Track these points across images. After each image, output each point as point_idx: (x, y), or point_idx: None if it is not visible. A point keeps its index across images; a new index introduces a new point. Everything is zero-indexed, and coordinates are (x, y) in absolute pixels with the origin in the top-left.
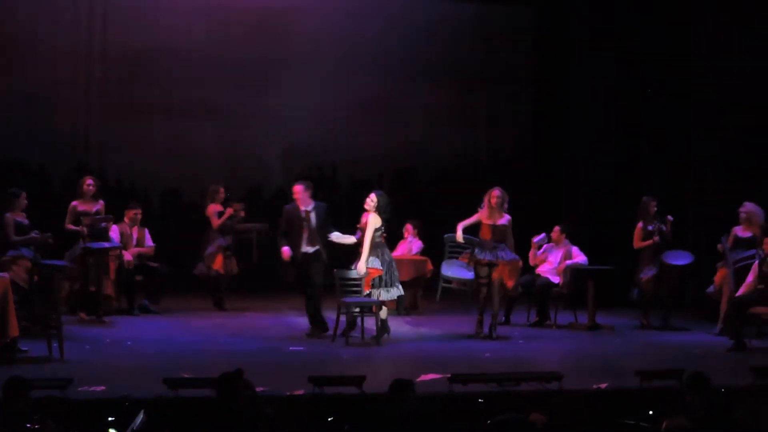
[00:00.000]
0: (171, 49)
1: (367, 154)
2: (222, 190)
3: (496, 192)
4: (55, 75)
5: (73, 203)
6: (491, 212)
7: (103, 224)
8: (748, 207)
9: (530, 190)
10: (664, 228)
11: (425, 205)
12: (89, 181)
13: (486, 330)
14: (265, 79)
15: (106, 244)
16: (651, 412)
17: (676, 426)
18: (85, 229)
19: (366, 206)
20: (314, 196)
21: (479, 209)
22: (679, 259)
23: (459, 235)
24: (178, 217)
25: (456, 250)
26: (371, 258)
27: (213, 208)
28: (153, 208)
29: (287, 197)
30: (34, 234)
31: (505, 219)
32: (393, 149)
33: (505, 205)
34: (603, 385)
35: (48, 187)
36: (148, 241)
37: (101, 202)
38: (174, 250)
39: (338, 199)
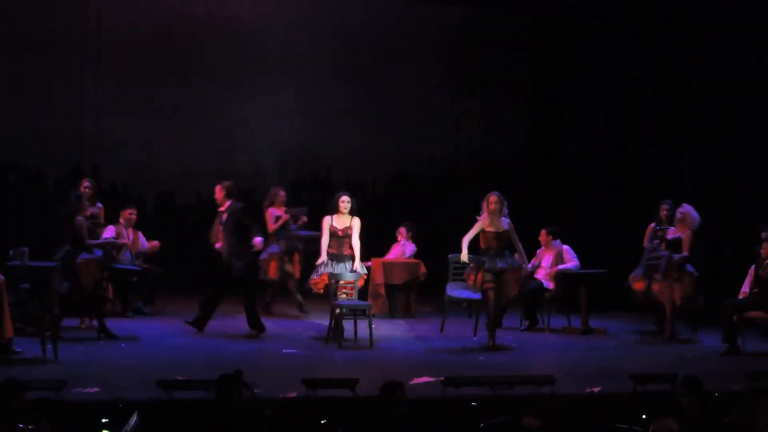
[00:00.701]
0: (164, 50)
1: (361, 157)
2: (283, 193)
3: (493, 197)
4: (49, 76)
5: None
6: (492, 218)
7: (100, 230)
8: (686, 209)
9: (526, 192)
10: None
11: (419, 207)
12: (86, 183)
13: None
14: (259, 80)
15: (88, 256)
16: (644, 416)
17: (663, 427)
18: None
19: (344, 210)
20: (300, 198)
21: (478, 218)
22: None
23: (464, 254)
24: (173, 218)
25: (460, 271)
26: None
27: (272, 212)
28: (147, 210)
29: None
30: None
31: (505, 224)
32: (387, 151)
33: (505, 210)
34: (596, 389)
35: (43, 189)
36: (143, 244)
37: (99, 205)
38: (168, 252)
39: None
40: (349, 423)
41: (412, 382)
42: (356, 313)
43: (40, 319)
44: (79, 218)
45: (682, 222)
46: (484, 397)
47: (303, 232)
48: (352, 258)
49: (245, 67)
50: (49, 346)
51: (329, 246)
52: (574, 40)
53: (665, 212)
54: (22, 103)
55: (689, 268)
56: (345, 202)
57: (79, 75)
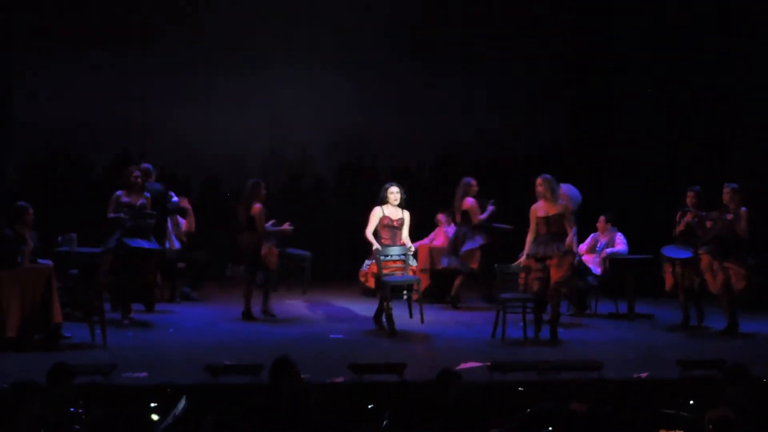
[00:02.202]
0: (212, 36)
1: (406, 143)
2: (474, 183)
3: (538, 180)
4: (97, 64)
5: (118, 193)
6: (544, 203)
7: (150, 221)
8: (564, 189)
9: (572, 178)
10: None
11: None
12: (136, 173)
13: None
14: (307, 66)
15: (145, 244)
16: (692, 402)
17: (720, 416)
18: (124, 216)
19: (393, 202)
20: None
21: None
22: (678, 253)
23: (522, 260)
24: (219, 205)
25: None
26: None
27: (469, 202)
28: (193, 196)
29: (325, 186)
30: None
31: (558, 207)
32: (432, 137)
33: (557, 192)
34: (643, 375)
35: (91, 176)
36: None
37: (147, 195)
38: (214, 238)
39: (378, 187)
40: (396, 408)
41: (459, 367)
42: (406, 288)
43: (88, 304)
44: (258, 204)
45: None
46: (531, 383)
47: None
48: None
49: (293, 53)
50: (98, 331)
51: (383, 237)
52: (622, 22)
53: (691, 199)
54: (70, 92)
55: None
56: (394, 193)
57: (125, 62)
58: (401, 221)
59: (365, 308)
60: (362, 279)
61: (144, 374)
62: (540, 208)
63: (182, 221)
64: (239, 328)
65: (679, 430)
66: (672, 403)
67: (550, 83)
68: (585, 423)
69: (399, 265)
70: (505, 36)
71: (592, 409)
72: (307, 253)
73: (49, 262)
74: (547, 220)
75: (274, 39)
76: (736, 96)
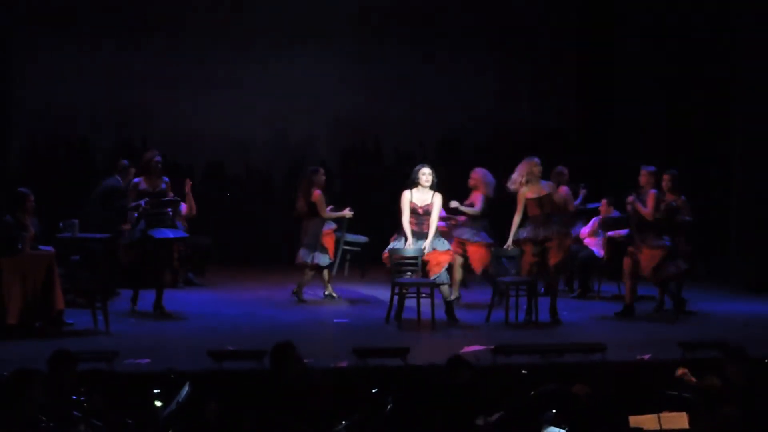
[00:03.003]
0: (212, 20)
1: (409, 126)
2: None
3: (535, 161)
4: (97, 49)
5: (135, 180)
6: (531, 185)
7: (170, 210)
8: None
9: (575, 160)
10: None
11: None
12: (157, 158)
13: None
14: (308, 50)
15: (170, 234)
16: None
17: (708, 385)
18: (144, 206)
19: (425, 183)
20: (350, 168)
21: (509, 183)
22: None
23: (509, 244)
24: (222, 189)
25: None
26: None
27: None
28: (196, 181)
29: (329, 170)
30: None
31: (546, 187)
32: (435, 120)
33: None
34: (646, 357)
35: (91, 162)
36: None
37: (166, 179)
38: (217, 223)
39: (382, 171)
40: (400, 392)
41: (462, 351)
42: (418, 291)
43: (91, 291)
44: (317, 191)
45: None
46: (535, 365)
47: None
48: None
49: (294, 37)
50: (101, 317)
51: (410, 223)
52: (624, 5)
53: (666, 183)
54: (70, 78)
55: (483, 236)
56: (426, 174)
57: (126, 47)
58: (428, 207)
59: (370, 294)
60: (385, 261)
61: (147, 361)
62: (530, 190)
63: (183, 206)
64: (242, 313)
65: (682, 411)
66: (674, 385)
67: (553, 65)
68: (588, 405)
69: (412, 264)
70: (506, 17)
71: (595, 391)
72: (365, 238)
73: (50, 249)
74: (539, 201)
75: (275, 22)
76: (735, 77)
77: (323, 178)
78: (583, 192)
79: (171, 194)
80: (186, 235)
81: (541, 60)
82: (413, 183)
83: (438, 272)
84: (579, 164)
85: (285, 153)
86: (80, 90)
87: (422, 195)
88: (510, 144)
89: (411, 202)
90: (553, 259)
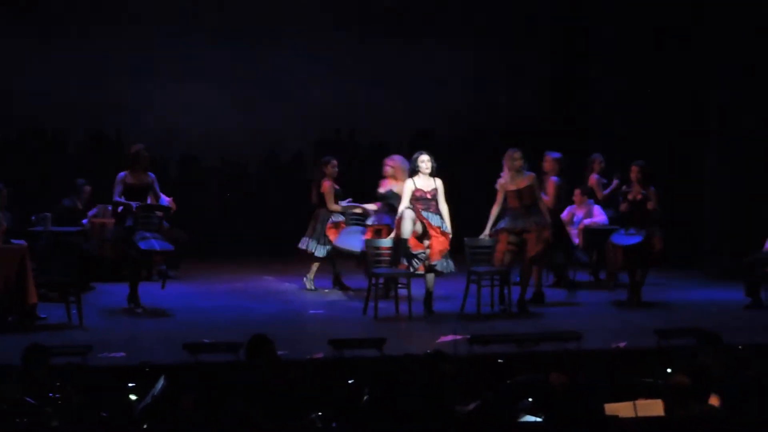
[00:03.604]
0: (186, 12)
1: (385, 117)
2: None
3: (517, 154)
4: (69, 40)
5: (121, 175)
6: (512, 176)
7: (159, 214)
8: (397, 160)
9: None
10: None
11: (444, 167)
12: (146, 152)
13: (514, 307)
14: (282, 41)
15: (156, 246)
16: (669, 371)
17: (675, 383)
18: (135, 210)
19: (426, 170)
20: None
21: (499, 179)
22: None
23: (486, 233)
24: (197, 182)
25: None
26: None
27: (594, 179)
28: (171, 174)
29: (305, 162)
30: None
31: (527, 179)
32: (411, 111)
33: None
34: (622, 344)
35: (64, 155)
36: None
37: (152, 175)
38: (192, 215)
39: (357, 162)
40: (376, 383)
41: (439, 341)
42: (396, 282)
43: (64, 285)
44: (327, 182)
45: (395, 177)
46: (511, 354)
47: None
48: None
49: (268, 28)
50: (74, 311)
51: (417, 209)
52: None
53: (635, 174)
54: (42, 69)
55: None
56: (425, 161)
57: (99, 39)
58: (434, 191)
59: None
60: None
61: (121, 354)
62: (510, 182)
63: (165, 199)
64: (218, 306)
65: (658, 398)
66: (650, 372)
67: (527, 56)
68: (564, 393)
69: (387, 254)
70: (480, 8)
71: (571, 379)
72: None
73: (23, 242)
74: (519, 192)
75: (249, 14)
76: (711, 64)
77: (334, 169)
78: (615, 182)
79: (163, 196)
80: (171, 247)
81: (517, 50)
82: (414, 171)
83: (438, 259)
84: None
85: (260, 145)
86: (53, 82)
87: (425, 181)
88: (486, 134)
89: (416, 189)
90: (531, 251)
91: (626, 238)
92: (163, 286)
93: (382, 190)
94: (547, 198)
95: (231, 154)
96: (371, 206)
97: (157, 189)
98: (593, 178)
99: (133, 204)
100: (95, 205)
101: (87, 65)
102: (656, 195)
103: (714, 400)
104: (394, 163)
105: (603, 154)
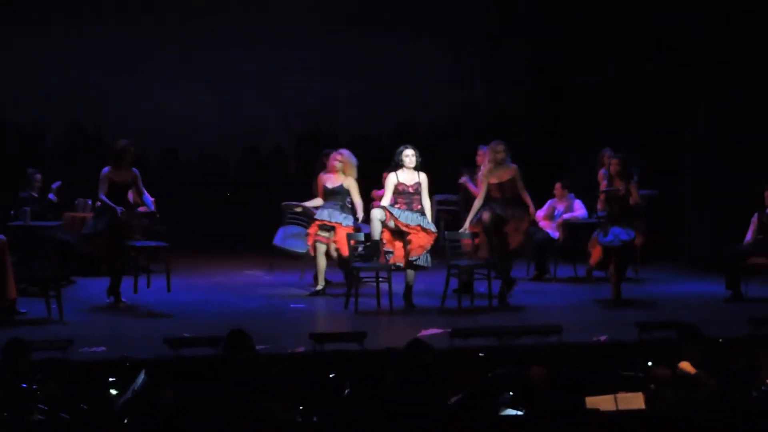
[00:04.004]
0: (165, 5)
1: (365, 110)
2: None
3: (500, 146)
4: (48, 32)
5: (105, 170)
6: (494, 169)
7: (145, 221)
8: (344, 154)
9: (529, 143)
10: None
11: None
12: (132, 148)
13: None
14: (261, 34)
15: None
16: (650, 364)
17: (658, 376)
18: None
19: (409, 165)
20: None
21: (479, 170)
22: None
23: (466, 226)
24: (176, 175)
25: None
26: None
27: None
28: (150, 167)
29: (285, 156)
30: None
31: (510, 172)
32: (391, 104)
33: (508, 159)
34: (602, 338)
35: (43, 148)
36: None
37: (136, 171)
38: (172, 208)
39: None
40: (357, 376)
41: (420, 334)
42: (377, 276)
43: (44, 279)
44: (321, 175)
45: (343, 171)
46: (492, 348)
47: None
48: (423, 213)
49: (247, 22)
50: (54, 305)
51: (399, 203)
52: None
53: (613, 167)
54: (22, 61)
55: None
56: (410, 156)
57: (78, 31)
58: (417, 186)
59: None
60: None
61: (102, 349)
62: (491, 174)
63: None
64: (198, 300)
65: (638, 391)
66: (631, 365)
67: (508, 48)
68: (545, 387)
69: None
70: (459, 1)
71: (551, 373)
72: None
73: (2, 237)
74: (501, 185)
75: (227, 7)
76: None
77: (333, 162)
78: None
79: (146, 194)
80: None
81: (496, 42)
82: (397, 165)
83: (419, 254)
84: (535, 147)
85: (239, 138)
86: (31, 75)
87: (408, 175)
88: (466, 127)
89: (399, 183)
90: (510, 244)
91: (612, 239)
92: (148, 285)
93: (330, 185)
94: (477, 190)
95: (211, 148)
96: (315, 202)
97: (141, 185)
98: (601, 173)
99: (118, 209)
100: (70, 198)
101: (67, 59)
102: (637, 188)
103: (685, 365)
104: (342, 157)
105: (581, 148)
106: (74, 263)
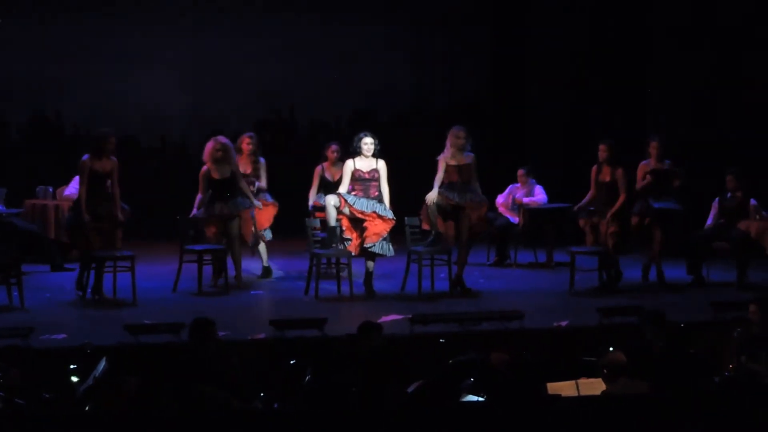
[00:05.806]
0: None
1: (325, 96)
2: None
3: (462, 132)
4: (6, 19)
5: (85, 158)
6: (454, 152)
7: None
8: (223, 140)
9: (490, 130)
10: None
11: (384, 147)
12: (113, 138)
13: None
14: (220, 20)
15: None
16: (611, 349)
17: (611, 360)
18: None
19: (367, 153)
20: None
21: (438, 158)
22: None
23: (431, 195)
24: (137, 163)
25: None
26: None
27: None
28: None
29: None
30: None
31: (468, 158)
32: (351, 91)
33: (468, 145)
34: (564, 323)
35: (6, 136)
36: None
37: (115, 160)
38: (133, 197)
39: (298, 142)
40: (318, 363)
41: (380, 320)
42: (338, 262)
43: (5, 267)
44: (318, 167)
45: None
46: (452, 334)
47: None
48: (380, 200)
49: (206, 7)
50: (15, 293)
51: (356, 190)
52: None
53: (603, 152)
54: None
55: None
56: (368, 144)
57: (37, 17)
58: (374, 172)
59: (286, 264)
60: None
61: (63, 336)
62: (451, 157)
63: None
64: (158, 287)
65: (599, 377)
66: (592, 351)
67: (467, 33)
68: (506, 373)
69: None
70: None
71: (513, 358)
72: None
73: None
74: (459, 168)
75: None
76: (649, 41)
77: (333, 154)
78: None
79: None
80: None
81: (455, 28)
82: (355, 152)
83: (374, 241)
84: (495, 134)
85: (200, 125)
86: None
87: (366, 162)
88: (426, 114)
89: (355, 169)
90: (470, 230)
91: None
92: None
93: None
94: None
95: (172, 135)
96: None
97: (116, 177)
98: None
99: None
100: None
101: (27, 45)
102: (624, 175)
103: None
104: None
105: (543, 134)
106: (37, 251)
